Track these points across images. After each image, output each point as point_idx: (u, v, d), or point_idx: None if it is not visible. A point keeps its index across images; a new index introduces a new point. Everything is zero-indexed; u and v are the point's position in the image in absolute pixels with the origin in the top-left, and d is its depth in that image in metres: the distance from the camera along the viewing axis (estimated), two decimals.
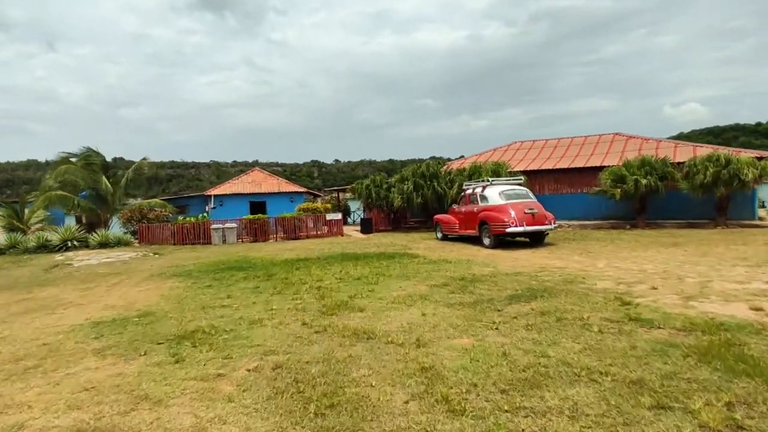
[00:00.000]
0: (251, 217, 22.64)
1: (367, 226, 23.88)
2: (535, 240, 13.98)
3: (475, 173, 21.05)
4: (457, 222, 15.61)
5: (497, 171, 20.83)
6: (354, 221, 32.88)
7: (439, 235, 17.05)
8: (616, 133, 24.25)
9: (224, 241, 21.56)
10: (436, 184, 22.47)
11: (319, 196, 32.90)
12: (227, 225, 21.72)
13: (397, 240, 18.49)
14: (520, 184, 14.62)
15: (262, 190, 26.47)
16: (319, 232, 23.13)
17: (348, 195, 37.86)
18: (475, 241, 15.07)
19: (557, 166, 22.31)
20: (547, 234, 13.81)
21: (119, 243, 20.48)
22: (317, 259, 12.82)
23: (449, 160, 23.76)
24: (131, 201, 25.96)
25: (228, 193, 26.07)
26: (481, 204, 14.22)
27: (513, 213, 12.98)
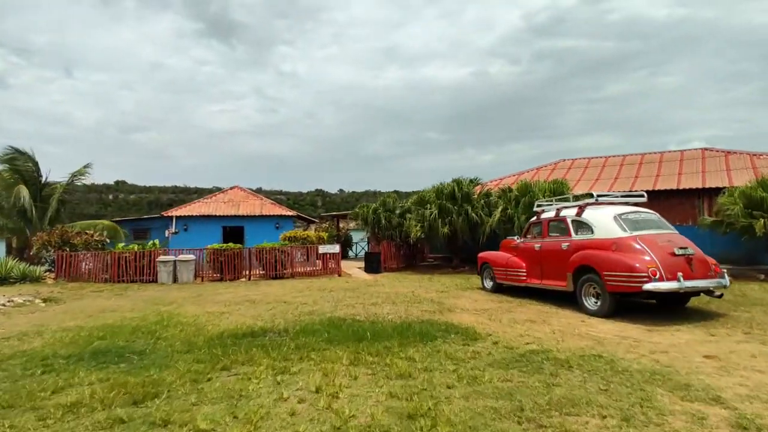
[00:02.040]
0: (217, 246, 16.67)
1: (373, 263, 17.84)
2: (674, 302, 7.93)
3: (526, 194, 15.13)
4: (524, 264, 9.59)
5: (559, 191, 14.94)
6: (356, 255, 26.83)
7: (489, 283, 11.00)
8: (705, 148, 18.45)
9: (175, 280, 15.53)
10: (470, 208, 16.53)
11: (313, 222, 26.97)
12: (181, 257, 15.73)
13: (419, 287, 12.44)
14: (642, 204, 8.64)
15: (240, 212, 20.70)
16: (309, 269, 17.08)
17: (351, 225, 31.94)
18: (556, 296, 9.04)
19: (634, 188, 16.34)
20: (720, 296, 7.67)
21: (24, 278, 14.49)
22: (283, 335, 6.80)
23: (476, 181, 17.77)
24: (76, 223, 20.05)
25: (195, 214, 20.30)
26: (576, 236, 8.25)
27: (653, 255, 6.98)
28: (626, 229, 7.60)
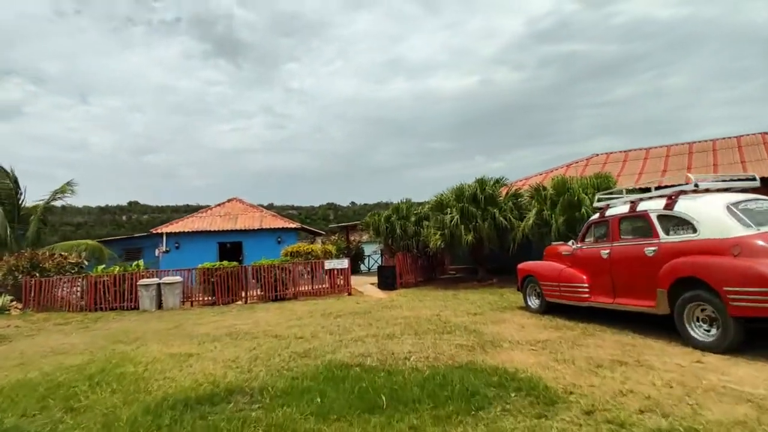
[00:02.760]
0: (209, 265, 14.60)
1: (387, 278, 15.60)
2: None
3: (564, 192, 12.81)
4: (586, 278, 7.27)
5: (605, 187, 12.62)
6: (369, 268, 24.61)
7: (534, 302, 8.69)
8: (766, 132, 15.96)
9: (160, 306, 13.47)
10: (497, 212, 14.24)
11: (319, 234, 24.83)
12: (165, 279, 13.67)
13: (444, 307, 10.17)
14: (756, 189, 6.31)
15: (238, 227, 18.65)
16: (315, 288, 14.92)
17: (364, 237, 29.77)
18: (633, 317, 6.74)
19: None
20: None
21: None
22: (255, 401, 4.60)
23: (502, 182, 15.48)
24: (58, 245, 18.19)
25: (187, 230, 18.30)
26: (668, 238, 5.94)
27: None
28: (749, 224, 5.28)
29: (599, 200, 7.80)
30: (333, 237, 25.90)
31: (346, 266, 15.03)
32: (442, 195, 15.77)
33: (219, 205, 20.79)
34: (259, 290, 14.74)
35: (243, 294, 14.56)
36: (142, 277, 13.84)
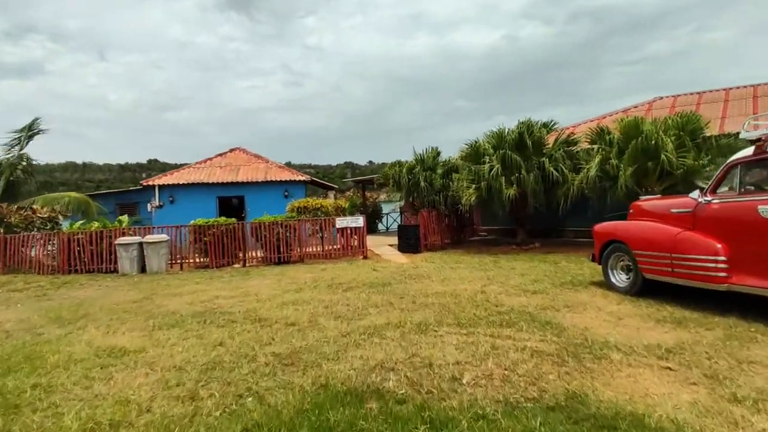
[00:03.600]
0: (202, 222, 12.45)
1: (410, 240, 13.30)
2: None
3: (637, 136, 10.05)
4: (722, 246, 4.74)
5: (694, 129, 9.87)
6: (388, 228, 22.34)
7: (622, 279, 6.25)
8: None
9: (143, 269, 11.46)
10: (546, 161, 11.61)
11: (332, 188, 22.45)
12: (148, 238, 11.59)
13: (486, 280, 7.84)
14: None
15: (239, 179, 16.34)
16: (326, 249, 12.71)
17: (382, 197, 27.35)
18: None
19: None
20: None
21: None
22: None
23: (550, 126, 12.57)
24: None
25: (183, 182, 16.08)
26: None
27: None
28: None
29: (755, 127, 5.08)
30: (348, 193, 23.61)
31: (362, 225, 12.71)
32: (476, 142, 13.10)
33: (220, 155, 18.41)
34: (260, 251, 12.61)
35: (241, 255, 12.46)
36: (124, 234, 11.79)
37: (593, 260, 6.90)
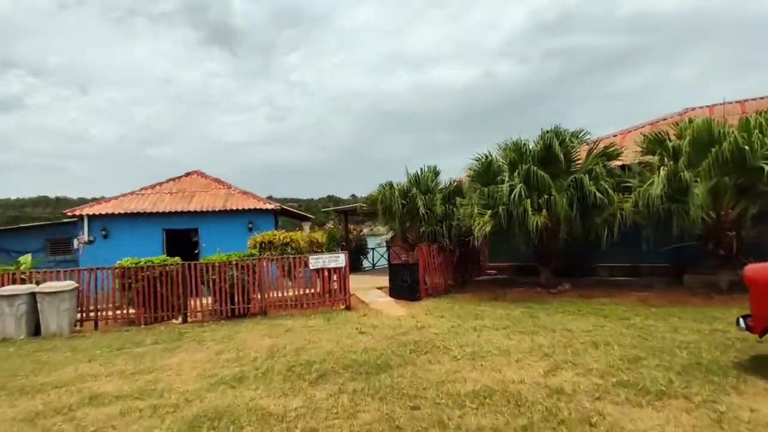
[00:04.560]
0: (129, 262, 9.29)
1: (405, 283, 10.35)
2: None
3: (718, 143, 7.46)
4: None
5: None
6: (374, 265, 19.33)
7: None
8: None
9: (37, 330, 8.20)
10: (586, 179, 8.90)
11: (308, 219, 19.40)
12: (45, 287, 8.38)
13: (544, 353, 4.92)
14: None
15: (192, 207, 13.24)
16: (298, 295, 9.61)
17: (365, 230, 24.36)
18: None
19: None
20: None
21: None
22: None
23: (580, 136, 9.81)
24: None
25: (119, 212, 12.87)
26: None
27: None
28: None
29: None
30: (328, 225, 20.66)
31: (343, 264, 9.70)
32: (488, 157, 10.37)
33: (172, 179, 15.28)
34: (213, 302, 9.46)
35: (187, 306, 9.27)
36: (14, 281, 8.54)
37: (746, 327, 4.02)
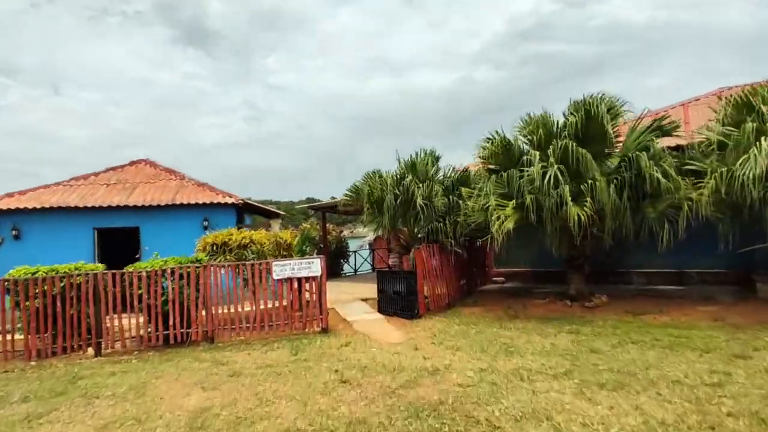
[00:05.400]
0: (24, 272, 6.70)
1: (400, 296, 8.01)
2: None
3: None
4: None
5: None
6: (356, 270, 16.94)
7: None
8: None
9: None
10: (644, 159, 6.69)
11: (277, 216, 16.82)
12: None
13: None
14: None
15: (132, 201, 10.58)
16: (259, 311, 7.12)
17: (345, 233, 21.89)
18: None
19: None
20: None
21: None
22: None
23: (616, 107, 7.50)
24: None
25: (36, 207, 10.13)
26: None
27: None
28: None
29: None
30: (305, 225, 18.18)
31: (318, 272, 7.29)
32: (504, 136, 8.10)
33: (112, 169, 12.51)
34: (145, 322, 6.93)
35: (101, 331, 6.72)
36: None
37: None
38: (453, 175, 9.72)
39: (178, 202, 10.89)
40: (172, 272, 6.92)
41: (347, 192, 10.20)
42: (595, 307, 7.83)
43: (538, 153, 6.95)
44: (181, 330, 6.84)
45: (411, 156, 9.88)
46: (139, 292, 6.77)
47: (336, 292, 10.84)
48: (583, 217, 6.53)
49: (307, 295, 7.46)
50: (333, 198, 12.51)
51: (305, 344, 6.33)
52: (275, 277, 7.18)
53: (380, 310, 8.53)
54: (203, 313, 7.01)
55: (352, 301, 9.76)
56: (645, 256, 9.10)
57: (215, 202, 11.06)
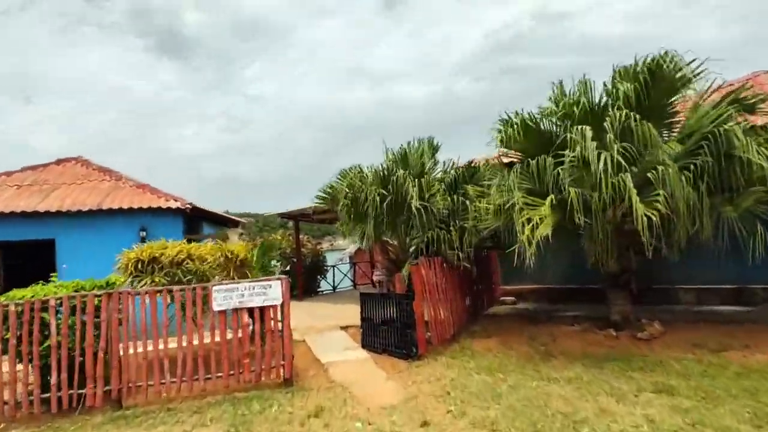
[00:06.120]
0: None
1: (394, 328, 5.89)
2: None
3: None
4: None
5: None
6: (335, 288, 14.73)
7: None
8: None
9: None
10: (738, 138, 4.77)
11: (237, 223, 14.46)
12: None
13: None
14: None
15: (44, 207, 8.20)
16: (197, 355, 4.88)
17: (324, 245, 19.64)
18: None
19: None
20: None
21: None
22: None
23: (676, 63, 5.51)
24: None
25: None
26: None
27: None
28: None
29: None
30: (275, 236, 15.92)
31: (279, 300, 5.16)
32: (530, 114, 6.14)
33: (31, 168, 10.08)
34: (30, 371, 4.67)
35: None
36: None
37: None
38: (455, 170, 7.72)
39: (106, 207, 8.56)
40: (62, 304, 4.69)
41: (320, 193, 8.07)
42: (651, 338, 5.89)
43: (589, 128, 4.98)
44: (71, 391, 4.60)
45: (402, 146, 7.83)
46: (5, 336, 4.52)
47: (310, 316, 8.69)
48: (654, 217, 4.58)
49: (266, 326, 5.29)
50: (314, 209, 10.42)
51: (256, 411, 4.19)
52: (216, 308, 4.99)
53: (365, 345, 6.42)
54: (118, 359, 4.78)
55: (329, 329, 7.62)
56: (693, 268, 7.28)
57: (155, 206, 8.77)
